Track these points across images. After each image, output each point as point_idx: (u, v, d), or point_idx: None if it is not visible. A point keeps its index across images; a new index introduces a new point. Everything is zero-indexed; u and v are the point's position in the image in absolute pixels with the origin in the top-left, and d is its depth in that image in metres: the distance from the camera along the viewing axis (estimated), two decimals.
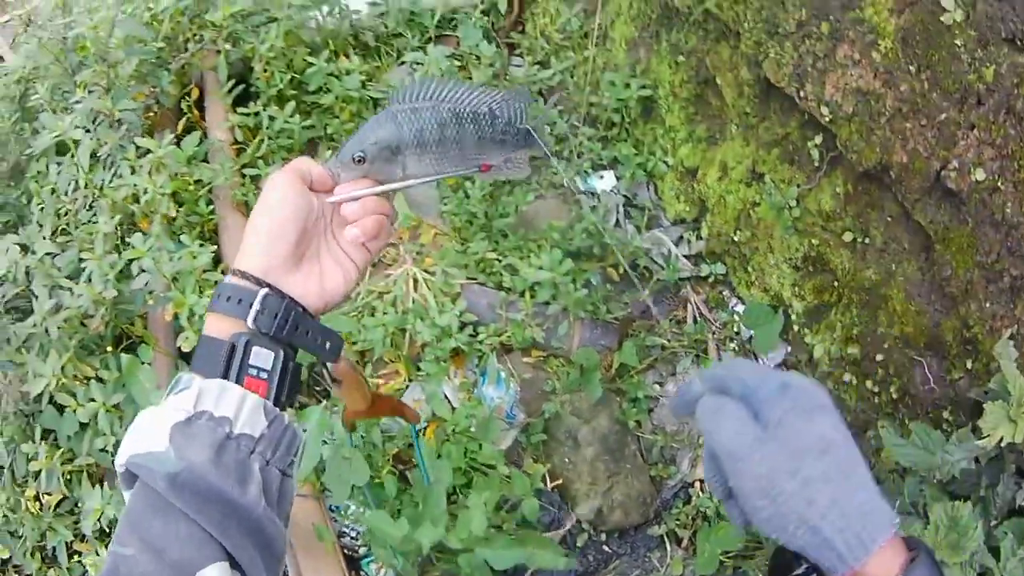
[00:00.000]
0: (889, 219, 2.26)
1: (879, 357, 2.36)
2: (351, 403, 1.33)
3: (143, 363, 2.61)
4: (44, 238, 2.75)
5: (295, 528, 2.48)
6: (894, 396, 2.35)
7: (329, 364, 1.16)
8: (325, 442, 2.35)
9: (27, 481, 2.72)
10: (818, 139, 2.37)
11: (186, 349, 2.58)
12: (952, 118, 1.96)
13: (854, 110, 2.17)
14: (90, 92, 2.86)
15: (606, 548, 2.63)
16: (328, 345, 1.03)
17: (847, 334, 2.47)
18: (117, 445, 2.59)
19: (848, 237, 2.36)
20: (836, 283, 2.47)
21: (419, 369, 2.71)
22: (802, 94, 2.30)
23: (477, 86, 1.11)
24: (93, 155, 2.84)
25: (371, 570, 2.54)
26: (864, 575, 0.81)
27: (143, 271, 2.57)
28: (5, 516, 2.71)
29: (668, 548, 2.60)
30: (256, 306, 0.95)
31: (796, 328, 2.65)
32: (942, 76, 1.96)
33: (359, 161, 1.06)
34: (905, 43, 2.03)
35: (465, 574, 2.27)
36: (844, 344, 2.48)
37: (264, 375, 0.94)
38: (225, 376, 0.93)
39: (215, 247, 2.73)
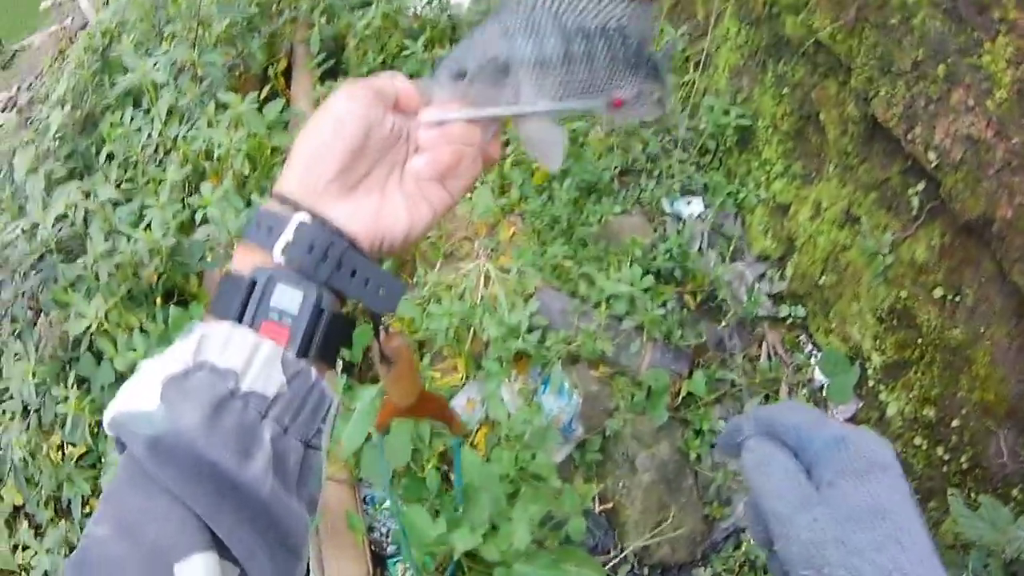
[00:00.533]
0: (983, 279, 2.42)
1: (955, 423, 2.51)
2: (397, 393, 1.23)
3: (192, 319, 2.81)
4: (108, 183, 3.00)
5: (325, 514, 2.65)
6: (964, 466, 2.50)
7: (381, 340, 1.04)
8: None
9: (53, 428, 2.92)
10: (920, 186, 2.56)
11: None
12: None
13: (962, 158, 2.36)
14: (175, 45, 3.15)
15: None
16: (381, 291, 0.88)
17: (924, 395, 2.62)
18: None
19: (938, 293, 2.53)
20: (920, 340, 2.63)
21: (479, 368, 2.89)
22: (910, 136, 2.52)
23: None
24: (170, 111, 3.11)
25: (397, 571, 2.69)
26: None
27: (207, 221, 2.79)
28: (24, 461, 2.91)
29: None
30: (287, 235, 0.83)
31: (871, 383, 2.81)
32: None
33: (459, 78, 0.94)
34: (1021, 95, 2.22)
35: None
36: (920, 405, 2.63)
37: (287, 320, 0.82)
38: (240, 320, 0.82)
39: None
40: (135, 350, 2.70)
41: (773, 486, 0.83)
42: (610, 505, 2.82)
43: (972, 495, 2.43)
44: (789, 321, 3.10)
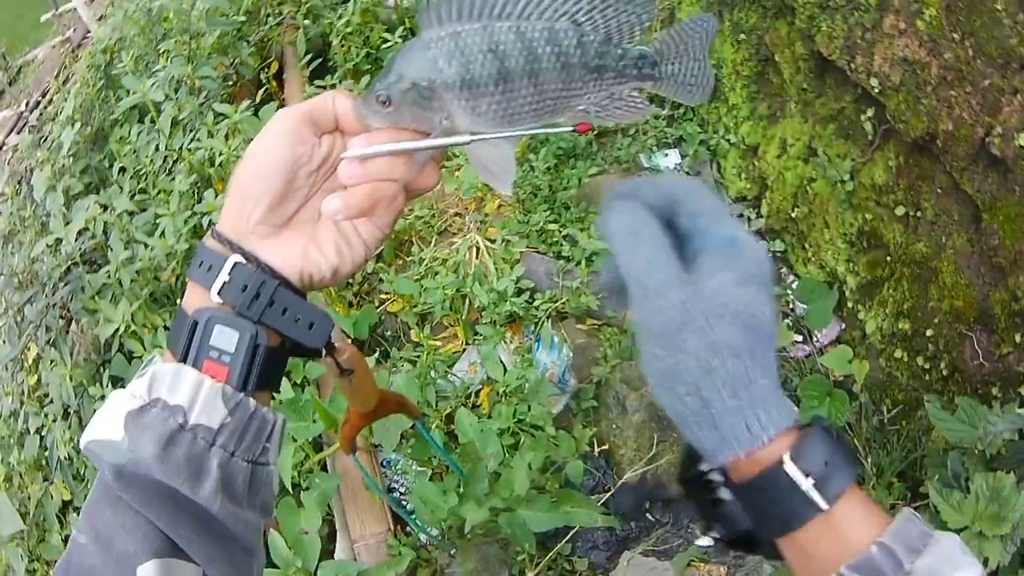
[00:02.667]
0: (939, 191, 2.44)
1: (929, 332, 2.54)
2: (360, 401, 1.26)
3: None
4: (123, 196, 3.17)
5: (345, 479, 2.80)
6: (944, 372, 2.52)
7: (335, 354, 1.04)
8: None
9: None
10: (870, 112, 2.58)
11: None
12: (995, 84, 2.15)
13: (901, 80, 2.37)
14: (172, 61, 3.32)
15: (649, 516, 2.82)
16: (312, 327, 0.91)
17: (898, 309, 2.64)
18: None
19: (900, 211, 2.55)
20: (889, 257, 2.66)
21: (476, 333, 2.99)
22: (852, 66, 2.55)
23: None
24: (174, 122, 3.28)
25: (416, 525, 2.82)
26: (743, 460, 0.78)
27: (213, 224, 2.95)
28: (69, 458, 3.08)
29: None
30: (223, 275, 0.87)
31: (850, 304, 2.83)
32: (985, 42, 2.15)
33: (385, 104, 0.86)
34: (949, 11, 2.23)
35: (505, 533, 2.45)
36: (895, 319, 2.65)
37: (226, 358, 0.87)
38: (185, 357, 0.86)
39: None
40: (161, 347, 2.87)
41: (645, 257, 0.81)
42: (606, 447, 2.88)
43: (954, 399, 2.42)
44: (770, 256, 3.13)
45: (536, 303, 2.98)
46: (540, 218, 3.10)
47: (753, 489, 0.78)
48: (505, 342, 2.98)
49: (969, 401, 2.17)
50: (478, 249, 3.10)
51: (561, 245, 3.07)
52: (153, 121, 3.22)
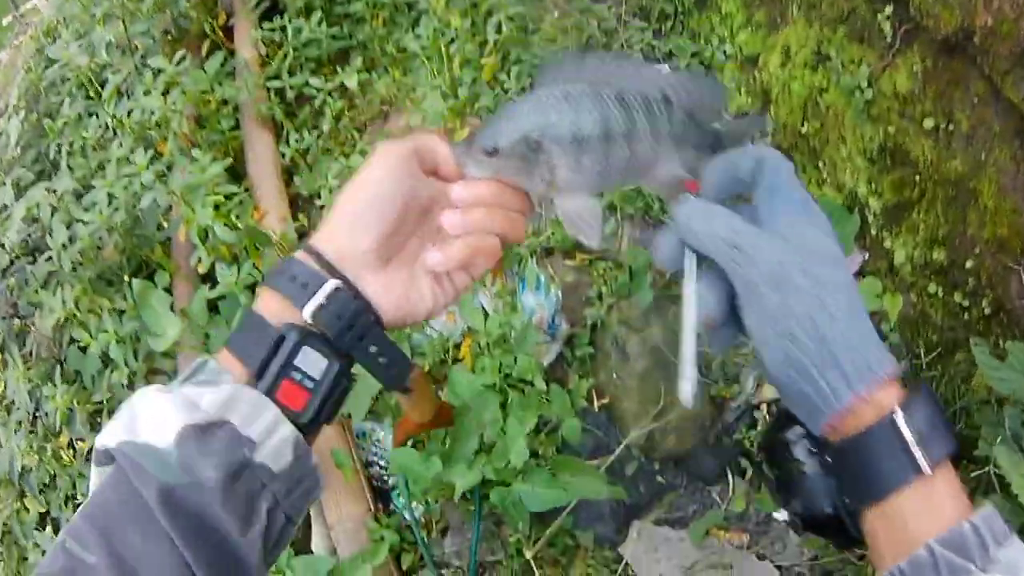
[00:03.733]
0: (976, 99, 2.01)
1: (969, 264, 2.11)
2: (418, 414, 1.14)
3: (157, 288, 2.54)
4: (66, 176, 2.79)
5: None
6: (987, 311, 2.10)
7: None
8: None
9: (61, 431, 2.69)
10: (888, 10, 2.16)
11: (201, 271, 2.50)
12: None
13: None
14: (107, 25, 2.92)
15: (659, 479, 2.43)
16: (393, 370, 0.85)
17: (931, 236, 2.22)
18: (133, 377, 2.57)
19: (929, 123, 2.12)
20: (918, 177, 2.22)
21: None
22: None
23: (644, 62, 0.76)
24: (117, 90, 2.87)
25: (401, 503, 2.41)
26: (853, 411, 0.73)
27: (145, 188, 2.53)
28: (40, 466, 2.70)
29: (730, 480, 2.39)
30: (320, 298, 0.80)
31: (874, 231, 2.41)
32: None
33: (490, 154, 0.84)
34: None
35: (497, 509, 2.16)
36: (928, 248, 2.22)
37: (308, 383, 0.79)
38: (263, 370, 0.79)
39: (230, 160, 2.69)
40: (106, 331, 2.50)
41: (723, 224, 0.77)
42: (606, 400, 2.50)
43: (1000, 343, 2.05)
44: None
45: None
46: None
47: (854, 447, 0.74)
48: (485, 285, 2.60)
49: (1021, 346, 1.81)
50: None
51: None
52: (97, 95, 2.84)
